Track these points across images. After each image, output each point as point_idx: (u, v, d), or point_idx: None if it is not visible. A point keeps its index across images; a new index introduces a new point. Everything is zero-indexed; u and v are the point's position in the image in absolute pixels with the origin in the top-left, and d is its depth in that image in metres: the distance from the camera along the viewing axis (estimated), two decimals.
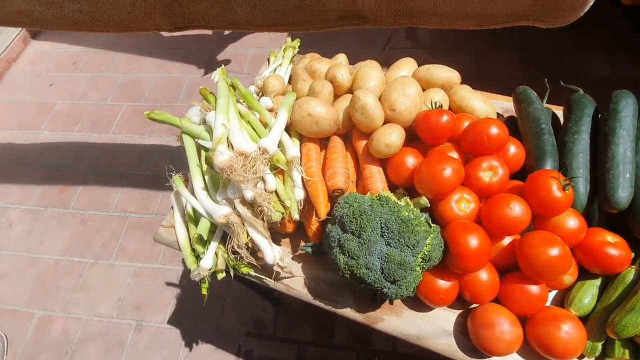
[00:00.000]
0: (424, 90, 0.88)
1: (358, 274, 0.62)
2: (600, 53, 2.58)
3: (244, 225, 0.72)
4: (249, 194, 0.68)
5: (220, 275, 0.82)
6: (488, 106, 0.85)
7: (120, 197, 2.29)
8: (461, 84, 0.92)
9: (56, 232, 2.22)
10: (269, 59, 1.17)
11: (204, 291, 0.84)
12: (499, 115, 1.02)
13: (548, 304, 0.73)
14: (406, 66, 0.99)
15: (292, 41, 1.17)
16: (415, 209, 0.65)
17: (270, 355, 1.76)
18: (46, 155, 2.53)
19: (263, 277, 0.81)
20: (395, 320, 0.75)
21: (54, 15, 1.55)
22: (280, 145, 0.77)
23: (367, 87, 0.82)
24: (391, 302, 0.77)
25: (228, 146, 0.71)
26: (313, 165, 0.76)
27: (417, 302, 0.75)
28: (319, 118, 0.75)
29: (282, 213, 0.71)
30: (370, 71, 0.83)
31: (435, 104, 0.78)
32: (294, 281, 0.81)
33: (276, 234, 0.86)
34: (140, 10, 1.51)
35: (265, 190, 0.72)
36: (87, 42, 3.16)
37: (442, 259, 0.67)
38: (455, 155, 0.76)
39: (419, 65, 0.99)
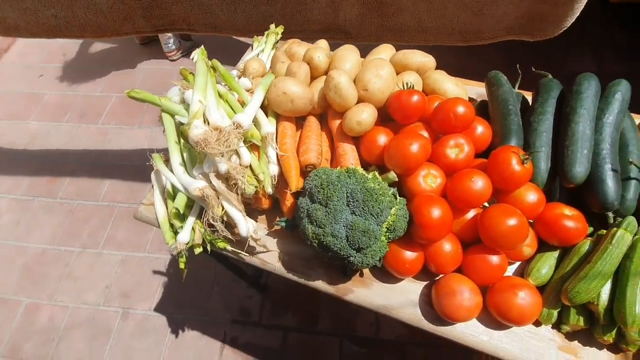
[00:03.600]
0: (400, 73, 0.91)
1: (325, 242, 0.64)
2: (587, 51, 2.64)
3: (218, 198, 0.74)
4: (223, 167, 0.70)
5: (198, 250, 0.85)
6: (460, 89, 0.88)
7: (108, 187, 2.30)
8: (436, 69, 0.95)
9: (44, 221, 2.22)
10: (252, 45, 1.19)
11: (182, 265, 0.86)
12: (473, 100, 1.06)
13: (511, 275, 0.77)
14: (385, 51, 1.01)
15: (275, 27, 1.19)
16: (382, 182, 0.68)
17: (256, 341, 1.78)
18: (35, 146, 2.53)
19: (239, 251, 0.83)
20: (365, 292, 0.78)
21: (28, 21, 1.55)
22: (256, 122, 0.79)
23: (342, 68, 0.84)
24: (361, 275, 0.80)
25: (204, 122, 0.73)
26: (288, 142, 0.78)
27: (386, 275, 0.78)
28: (294, 96, 0.78)
29: (256, 187, 0.74)
30: (347, 53, 0.86)
31: (407, 84, 0.81)
32: (269, 256, 0.84)
33: (253, 210, 0.88)
34: (119, 14, 1.52)
35: (240, 165, 0.75)
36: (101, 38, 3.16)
37: (407, 230, 0.70)
38: (425, 133, 0.79)
39: None
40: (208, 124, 0.74)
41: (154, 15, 1.52)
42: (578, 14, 1.32)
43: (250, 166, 0.76)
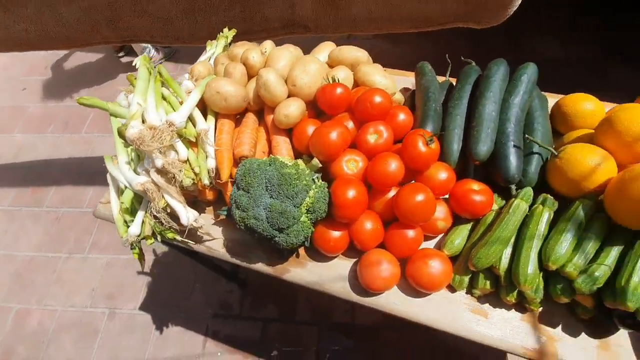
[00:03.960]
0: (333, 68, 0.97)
1: (249, 224, 0.71)
2: (552, 35, 2.70)
3: (159, 191, 0.81)
4: (159, 162, 0.77)
5: (150, 241, 0.91)
6: (387, 80, 0.94)
7: (92, 193, 2.37)
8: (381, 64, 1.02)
9: (31, 230, 2.29)
10: (205, 49, 1.26)
11: (135, 256, 0.93)
12: (408, 89, 1.12)
13: (429, 247, 0.83)
14: (326, 48, 1.08)
15: (228, 30, 1.26)
16: (301, 168, 0.75)
17: (237, 333, 1.85)
18: (21, 157, 2.61)
19: (187, 240, 0.90)
20: (300, 271, 0.85)
21: (0, 37, 1.61)
22: (193, 120, 0.86)
23: (276, 66, 0.91)
24: (297, 256, 0.87)
25: (143, 122, 0.80)
26: (224, 137, 0.85)
27: (319, 255, 0.85)
28: (227, 95, 0.85)
29: (193, 179, 0.81)
30: (280, 53, 0.93)
31: (332, 78, 0.87)
32: (215, 243, 0.91)
33: (200, 202, 0.95)
34: (86, 26, 1.59)
35: (178, 160, 0.82)
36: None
37: (329, 211, 0.77)
38: (350, 123, 0.86)
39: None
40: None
41: (118, 28, 1.58)
42: (520, 1, 1.38)
43: (189, 160, 0.83)
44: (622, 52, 2.51)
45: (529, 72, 0.84)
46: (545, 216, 0.72)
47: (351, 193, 0.74)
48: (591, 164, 0.69)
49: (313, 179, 0.76)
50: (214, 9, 1.47)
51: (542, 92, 0.95)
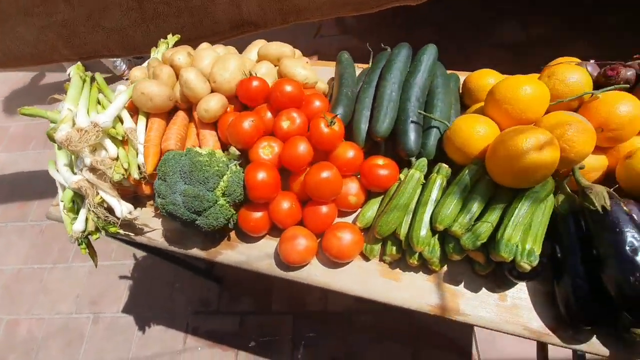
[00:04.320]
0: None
1: (169, 210, 0.78)
2: (514, 18, 2.76)
3: (93, 188, 0.88)
4: (87, 161, 0.84)
5: (95, 236, 0.98)
6: (307, 71, 1.01)
7: None
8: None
9: (18, 243, 2.37)
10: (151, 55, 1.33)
11: (83, 252, 1.00)
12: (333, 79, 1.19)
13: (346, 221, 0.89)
14: (256, 47, 1.15)
15: (172, 36, 1.32)
16: (217, 157, 0.82)
17: (216, 328, 1.92)
18: (5, 175, 2.69)
19: (129, 233, 0.97)
20: (230, 252, 0.91)
21: None
22: (122, 120, 0.93)
23: (199, 66, 0.98)
24: (228, 239, 0.93)
25: (74, 125, 0.87)
26: (152, 134, 0.92)
27: (247, 237, 0.91)
28: (152, 95, 0.92)
29: (123, 174, 0.87)
30: (204, 52, 1.00)
31: (250, 72, 0.94)
32: (155, 234, 0.97)
33: (141, 198, 1.02)
34: (44, 45, 1.67)
35: (109, 158, 0.88)
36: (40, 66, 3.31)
37: (245, 194, 0.83)
38: (268, 113, 0.93)
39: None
40: None
41: (75, 45, 1.66)
42: None
43: (119, 157, 0.90)
44: (581, 27, 2.55)
45: (428, 54, 0.90)
46: (437, 183, 0.78)
47: (261, 175, 0.80)
48: (472, 131, 0.75)
49: (229, 166, 0.82)
50: (164, 17, 1.54)
51: (456, 72, 1.02)
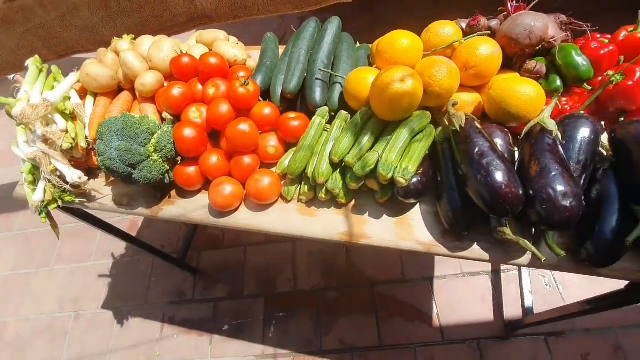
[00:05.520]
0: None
1: (106, 165, 0.90)
2: (462, 13, 2.95)
3: (47, 157, 1.00)
4: (39, 132, 0.96)
5: (53, 206, 1.10)
6: (237, 50, 1.15)
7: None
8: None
9: (5, 252, 2.47)
10: None
11: (43, 220, 1.11)
12: None
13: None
14: (194, 35, 1.29)
15: (127, 35, 1.47)
16: (150, 119, 0.94)
17: (191, 316, 2.00)
18: None
19: (83, 200, 1.09)
20: (171, 208, 1.03)
21: None
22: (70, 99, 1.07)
23: (140, 50, 1.12)
24: (169, 197, 1.05)
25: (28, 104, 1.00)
26: (97, 109, 1.05)
27: (186, 193, 1.03)
28: (95, 76, 1.05)
29: (71, 143, 1.00)
30: (144, 39, 1.14)
31: (181, 51, 1.08)
32: (105, 200, 1.09)
33: (93, 169, 1.14)
34: (25, 50, 1.84)
35: (60, 130, 1.01)
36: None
37: (176, 151, 0.96)
38: (199, 85, 1.06)
39: None
40: None
41: (53, 45, 1.82)
42: None
43: (68, 130, 1.02)
44: None
45: (332, 25, 1.05)
46: (336, 125, 0.91)
47: (186, 131, 0.93)
48: (361, 80, 0.89)
49: (160, 126, 0.95)
50: (128, 13, 1.71)
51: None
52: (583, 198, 0.76)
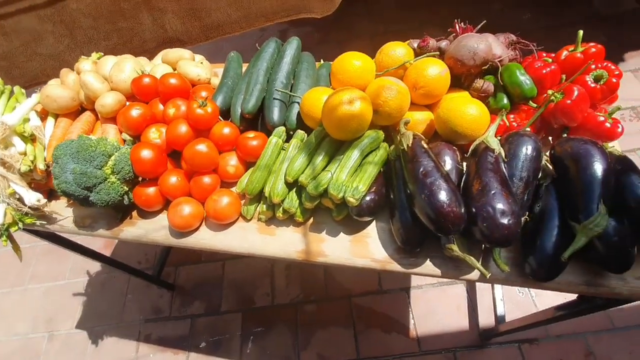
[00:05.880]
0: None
1: (62, 188, 0.90)
2: (437, 27, 3.02)
3: (5, 180, 0.99)
4: None
5: (14, 228, 1.08)
6: (200, 69, 1.16)
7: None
8: None
9: None
10: None
11: (4, 243, 1.09)
12: None
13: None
14: (160, 54, 1.30)
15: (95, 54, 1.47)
16: (107, 141, 0.94)
17: (167, 333, 1.97)
18: None
19: (44, 222, 1.07)
20: (131, 229, 1.02)
21: None
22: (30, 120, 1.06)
23: (102, 71, 1.12)
24: (130, 217, 1.04)
25: None
26: (57, 131, 1.05)
27: (147, 214, 1.03)
28: (55, 97, 1.05)
29: (29, 166, 0.99)
30: (106, 59, 1.15)
31: (142, 72, 1.09)
32: (66, 221, 1.08)
33: (54, 191, 1.13)
34: None
35: (18, 153, 1.00)
36: None
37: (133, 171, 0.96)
38: (160, 105, 1.07)
39: None
40: None
41: (15, 76, 1.80)
42: None
43: (27, 152, 1.01)
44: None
45: (291, 45, 1.07)
46: (293, 144, 0.92)
47: (143, 152, 0.93)
48: (316, 100, 0.90)
49: (119, 147, 0.95)
50: (95, 42, 1.71)
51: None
52: (528, 213, 0.79)
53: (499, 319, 1.66)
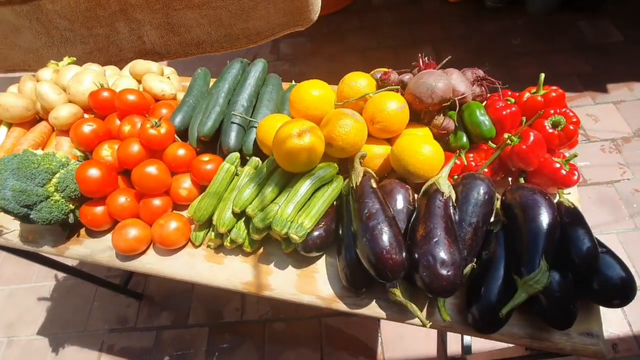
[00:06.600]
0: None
1: (0, 206, 0.86)
2: (429, 45, 3.03)
3: None
4: None
5: None
6: (165, 84, 1.13)
7: None
8: None
9: None
10: None
11: None
12: None
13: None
14: (128, 66, 1.27)
15: (68, 58, 1.44)
16: (53, 157, 0.91)
17: (131, 345, 1.92)
18: None
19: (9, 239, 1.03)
20: (78, 247, 0.99)
21: None
22: None
23: (62, 81, 1.09)
24: (78, 235, 1.01)
25: None
26: (8, 141, 1.01)
27: (95, 233, 0.99)
28: (8, 106, 1.02)
29: None
30: (67, 69, 1.12)
31: (101, 85, 1.06)
32: (12, 235, 1.04)
33: None
34: None
35: None
36: None
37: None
38: (117, 120, 1.04)
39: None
40: None
41: None
42: (320, 3, 1.64)
43: None
44: (487, 54, 2.82)
45: (256, 67, 1.05)
46: (245, 172, 0.89)
47: (89, 171, 0.89)
48: (270, 127, 0.88)
49: (66, 164, 0.91)
50: (71, 43, 1.67)
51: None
52: (476, 260, 0.76)
53: (466, 349, 1.63)
